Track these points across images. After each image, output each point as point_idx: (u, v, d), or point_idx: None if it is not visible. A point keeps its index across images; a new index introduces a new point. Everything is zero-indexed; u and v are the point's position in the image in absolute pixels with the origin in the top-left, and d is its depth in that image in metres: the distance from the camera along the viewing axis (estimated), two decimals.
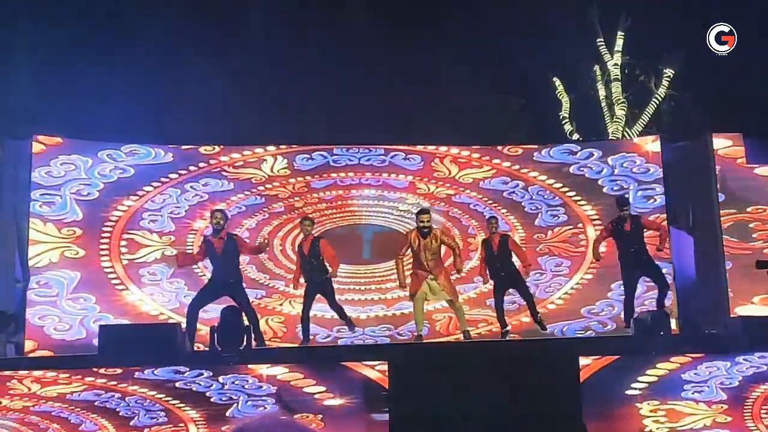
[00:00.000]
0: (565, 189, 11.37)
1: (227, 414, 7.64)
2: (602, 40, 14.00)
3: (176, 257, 9.67)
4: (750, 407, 8.28)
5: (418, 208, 9.79)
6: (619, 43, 13.97)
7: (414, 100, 12.11)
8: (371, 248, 10.99)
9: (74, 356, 8.90)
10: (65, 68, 11.10)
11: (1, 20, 11.40)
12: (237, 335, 8.05)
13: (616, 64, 14.01)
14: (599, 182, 11.22)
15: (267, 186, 11.13)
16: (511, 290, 9.70)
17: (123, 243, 10.62)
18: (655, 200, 11.14)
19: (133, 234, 10.70)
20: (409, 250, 9.13)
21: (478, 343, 9.65)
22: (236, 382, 7.78)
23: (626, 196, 10.56)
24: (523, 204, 11.36)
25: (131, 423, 7.73)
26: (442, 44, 12.42)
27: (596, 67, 14.03)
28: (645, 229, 9.54)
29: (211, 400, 7.70)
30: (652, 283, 9.77)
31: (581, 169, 11.34)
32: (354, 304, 10.73)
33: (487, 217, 10.27)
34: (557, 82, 14.06)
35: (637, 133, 13.61)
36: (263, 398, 7.78)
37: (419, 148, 11.48)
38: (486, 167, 11.44)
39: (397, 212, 11.28)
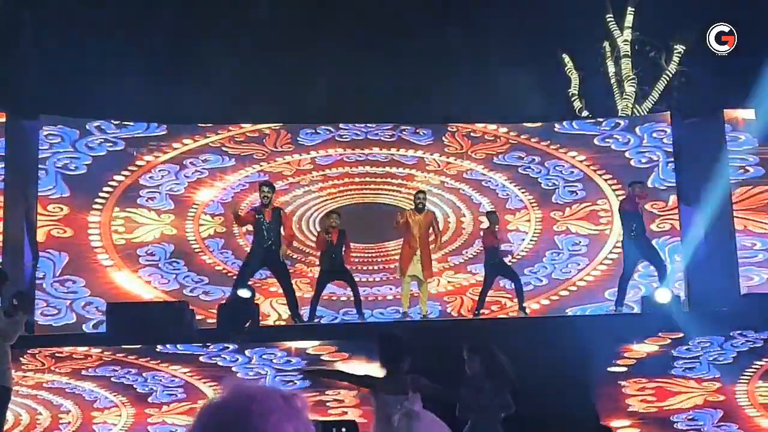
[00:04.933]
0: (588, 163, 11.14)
1: None
2: (612, 16, 13.85)
3: (235, 211, 9.42)
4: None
5: (419, 189, 10.11)
6: (629, 19, 13.81)
7: (425, 77, 12.00)
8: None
9: (82, 334, 8.93)
10: (70, 48, 11.03)
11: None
12: (243, 314, 8.07)
13: (626, 41, 13.85)
14: (626, 154, 10.98)
15: (270, 163, 11.01)
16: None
17: (119, 222, 10.44)
18: (577, 194, 11.02)
19: (130, 212, 10.52)
20: (404, 223, 9.54)
21: (485, 321, 9.67)
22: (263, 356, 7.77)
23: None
24: (539, 180, 11.20)
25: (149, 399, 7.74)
26: (452, 20, 12.29)
27: (606, 44, 13.89)
28: (641, 205, 9.49)
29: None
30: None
31: (606, 140, 11.16)
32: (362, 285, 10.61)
33: (487, 211, 10.42)
34: (566, 58, 13.92)
35: (647, 110, 13.48)
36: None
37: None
38: (499, 142, 11.30)
39: (405, 190, 11.13)
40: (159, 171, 10.76)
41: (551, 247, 10.97)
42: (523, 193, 11.22)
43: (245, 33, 12.02)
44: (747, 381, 8.24)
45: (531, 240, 11.14)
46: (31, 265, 10.04)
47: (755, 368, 8.23)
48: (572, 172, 11.24)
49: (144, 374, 7.77)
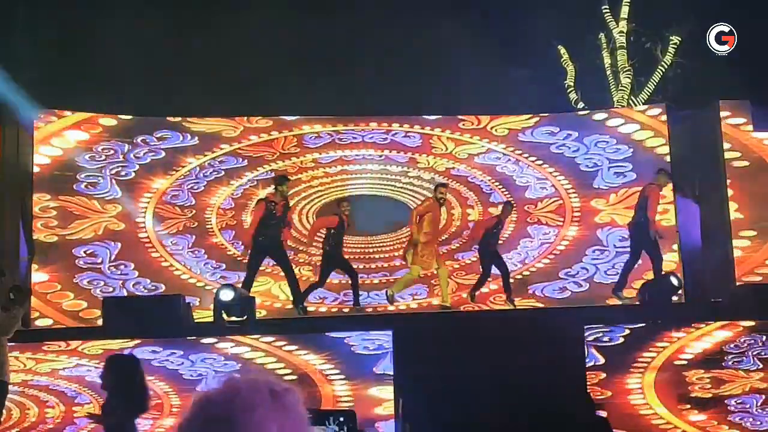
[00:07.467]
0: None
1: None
2: (607, 7, 13.88)
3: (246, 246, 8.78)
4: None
5: (435, 182, 9.54)
6: (625, 10, 13.83)
7: (415, 71, 11.98)
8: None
9: (78, 328, 8.90)
10: (63, 43, 10.99)
11: None
12: (241, 307, 8.06)
13: (621, 32, 13.88)
14: (576, 160, 9.97)
15: (243, 142, 9.91)
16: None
17: (50, 214, 8.82)
18: (626, 176, 9.83)
19: (65, 200, 8.87)
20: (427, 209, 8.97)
21: (482, 313, 9.65)
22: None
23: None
24: (577, 160, 9.65)
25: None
26: (443, 13, 12.28)
27: (601, 35, 13.90)
28: (647, 199, 9.42)
29: None
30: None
31: (560, 147, 10.08)
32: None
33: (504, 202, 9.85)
34: (562, 50, 13.93)
35: (643, 101, 13.48)
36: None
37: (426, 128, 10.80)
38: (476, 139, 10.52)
39: (401, 184, 10.85)
40: (102, 149, 8.95)
41: (593, 244, 9.57)
42: (555, 177, 9.69)
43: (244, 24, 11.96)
44: (643, 370, 6.68)
45: (567, 236, 9.80)
46: (28, 260, 10.02)
47: (655, 352, 6.75)
48: (618, 149, 9.65)
49: (191, 357, 6.87)
